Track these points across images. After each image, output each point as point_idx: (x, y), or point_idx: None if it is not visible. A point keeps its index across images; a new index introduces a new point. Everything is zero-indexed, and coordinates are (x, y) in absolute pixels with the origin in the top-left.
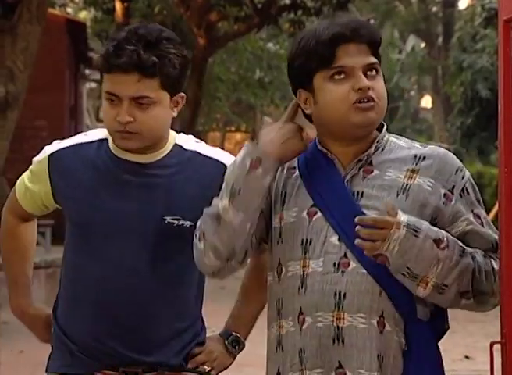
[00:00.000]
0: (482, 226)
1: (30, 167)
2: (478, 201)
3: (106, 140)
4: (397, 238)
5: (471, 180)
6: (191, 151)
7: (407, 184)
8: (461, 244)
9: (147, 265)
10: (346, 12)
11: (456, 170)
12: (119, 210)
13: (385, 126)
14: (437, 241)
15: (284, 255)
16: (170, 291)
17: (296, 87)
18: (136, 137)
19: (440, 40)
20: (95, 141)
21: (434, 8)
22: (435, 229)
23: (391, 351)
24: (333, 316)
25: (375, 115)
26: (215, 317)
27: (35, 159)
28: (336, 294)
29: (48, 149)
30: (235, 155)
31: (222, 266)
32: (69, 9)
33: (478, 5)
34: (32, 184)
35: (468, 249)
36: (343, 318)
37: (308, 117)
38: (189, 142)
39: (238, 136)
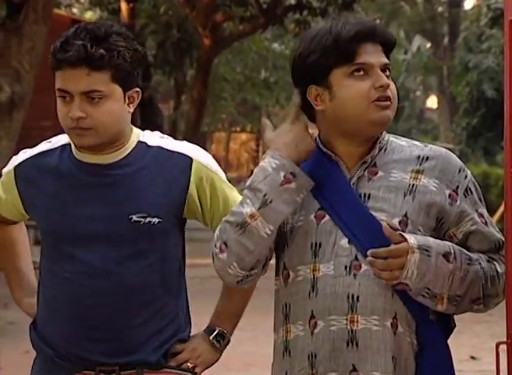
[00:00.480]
0: (486, 225)
1: (1, 178)
2: (480, 200)
3: (69, 144)
4: (414, 263)
5: (473, 179)
6: (156, 146)
7: (413, 185)
8: (466, 252)
9: (118, 266)
10: (352, 12)
11: (459, 170)
12: (84, 214)
13: None
14: (446, 255)
15: (292, 260)
16: (145, 290)
17: (306, 84)
18: (91, 133)
19: (446, 40)
20: (58, 147)
21: (440, 9)
22: (439, 242)
23: (403, 353)
24: (347, 319)
25: (391, 113)
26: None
27: (4, 170)
28: (348, 297)
29: (15, 160)
30: (240, 155)
31: (246, 275)
32: (74, 10)
33: (484, 5)
34: (4, 194)
35: (473, 256)
36: (357, 321)
37: (309, 115)
38: (153, 138)
39: (243, 136)
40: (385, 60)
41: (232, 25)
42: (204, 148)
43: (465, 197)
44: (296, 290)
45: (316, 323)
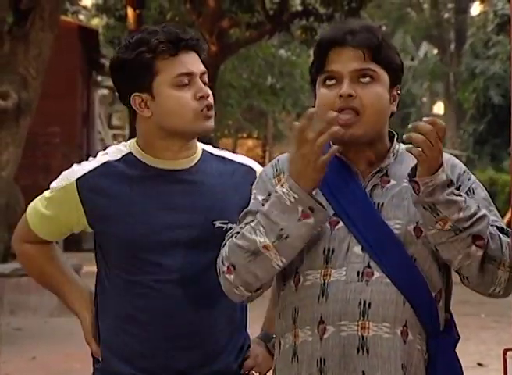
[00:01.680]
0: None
1: (48, 194)
2: (490, 204)
3: (131, 153)
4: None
5: (479, 183)
6: (219, 156)
7: None
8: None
9: (205, 272)
10: (358, 18)
11: (463, 172)
12: (166, 221)
13: (396, 135)
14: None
15: (302, 264)
16: (224, 296)
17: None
18: (213, 116)
19: (452, 46)
20: (121, 156)
21: (446, 15)
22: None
23: (413, 361)
24: (358, 326)
25: (356, 131)
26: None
27: (56, 186)
28: (360, 303)
29: (71, 174)
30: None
31: (251, 295)
32: (81, 16)
33: (491, 12)
34: (51, 211)
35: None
36: (368, 327)
37: None
38: (211, 148)
39: (250, 142)
40: (362, 65)
41: (238, 31)
42: None
43: (468, 195)
44: (304, 295)
45: (325, 328)
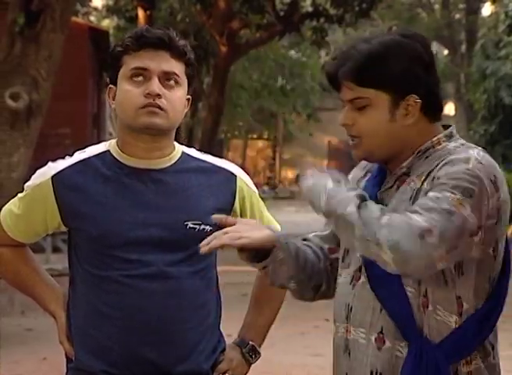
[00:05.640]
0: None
1: (22, 194)
2: (453, 188)
3: (108, 151)
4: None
5: (454, 174)
6: (199, 159)
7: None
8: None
9: (174, 269)
10: (369, 19)
11: (444, 164)
12: (138, 220)
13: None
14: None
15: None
16: (195, 294)
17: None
18: (162, 115)
19: (463, 47)
20: (98, 154)
21: (457, 15)
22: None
23: (390, 368)
24: (345, 328)
25: (359, 153)
26: (237, 323)
27: (30, 184)
28: (346, 306)
29: (47, 171)
30: (257, 162)
31: None
32: (92, 18)
33: (502, 12)
34: (25, 211)
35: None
36: (350, 331)
37: None
38: (194, 152)
39: (260, 143)
40: (348, 96)
41: (248, 32)
42: (221, 156)
43: (432, 182)
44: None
45: (336, 327)
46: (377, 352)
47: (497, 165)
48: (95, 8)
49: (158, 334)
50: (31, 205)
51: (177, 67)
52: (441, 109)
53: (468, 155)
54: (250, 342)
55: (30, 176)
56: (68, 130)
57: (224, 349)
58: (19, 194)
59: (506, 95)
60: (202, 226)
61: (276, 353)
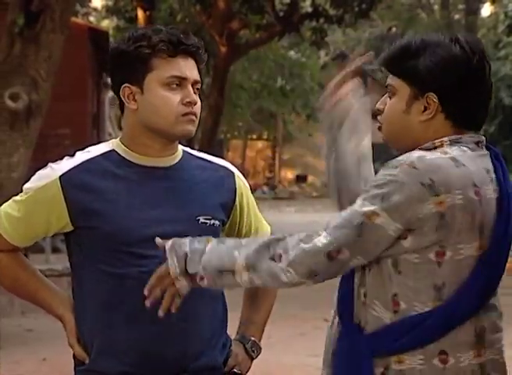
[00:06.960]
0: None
1: (21, 197)
2: (377, 197)
3: (114, 150)
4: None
5: (385, 176)
6: (199, 157)
7: None
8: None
9: None
10: (368, 20)
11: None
12: (151, 217)
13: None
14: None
15: None
16: (207, 290)
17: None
18: (196, 122)
19: None
20: (103, 153)
21: (456, 16)
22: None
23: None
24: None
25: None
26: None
27: (32, 186)
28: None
29: (52, 172)
30: (257, 162)
31: None
32: (91, 18)
33: (502, 13)
34: (25, 213)
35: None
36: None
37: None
38: (192, 151)
39: (259, 144)
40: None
41: (248, 33)
42: (221, 156)
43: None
44: None
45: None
46: (336, 334)
47: (448, 168)
48: (95, 9)
49: (176, 330)
50: (33, 207)
51: (199, 75)
52: (472, 118)
53: (404, 159)
54: (252, 338)
55: (30, 177)
56: (67, 131)
57: (231, 345)
58: (17, 197)
59: (505, 96)
60: (212, 221)
61: (276, 354)
